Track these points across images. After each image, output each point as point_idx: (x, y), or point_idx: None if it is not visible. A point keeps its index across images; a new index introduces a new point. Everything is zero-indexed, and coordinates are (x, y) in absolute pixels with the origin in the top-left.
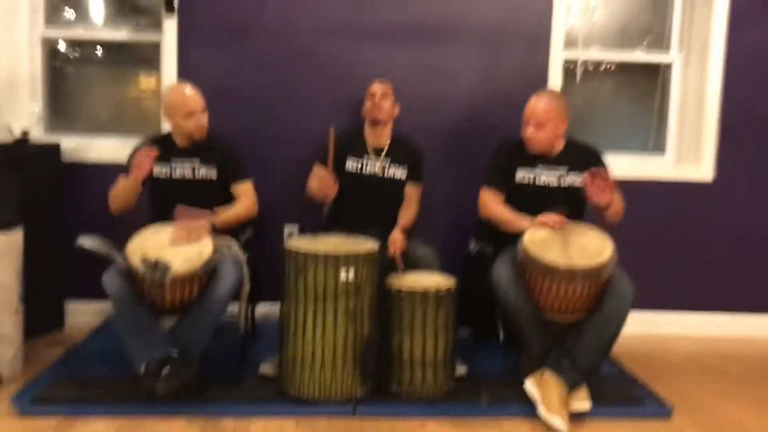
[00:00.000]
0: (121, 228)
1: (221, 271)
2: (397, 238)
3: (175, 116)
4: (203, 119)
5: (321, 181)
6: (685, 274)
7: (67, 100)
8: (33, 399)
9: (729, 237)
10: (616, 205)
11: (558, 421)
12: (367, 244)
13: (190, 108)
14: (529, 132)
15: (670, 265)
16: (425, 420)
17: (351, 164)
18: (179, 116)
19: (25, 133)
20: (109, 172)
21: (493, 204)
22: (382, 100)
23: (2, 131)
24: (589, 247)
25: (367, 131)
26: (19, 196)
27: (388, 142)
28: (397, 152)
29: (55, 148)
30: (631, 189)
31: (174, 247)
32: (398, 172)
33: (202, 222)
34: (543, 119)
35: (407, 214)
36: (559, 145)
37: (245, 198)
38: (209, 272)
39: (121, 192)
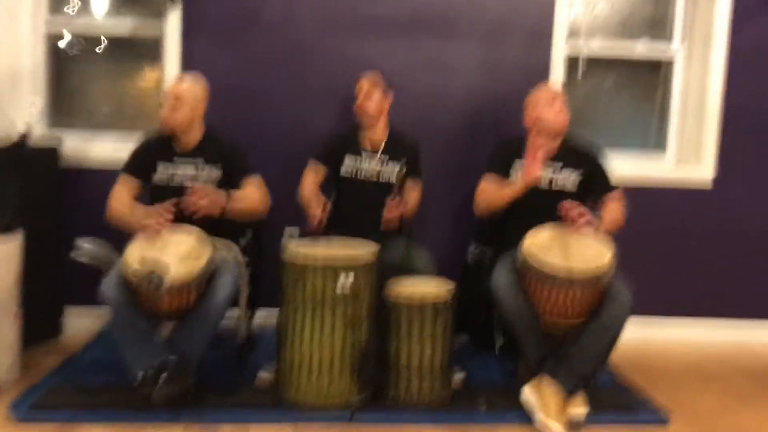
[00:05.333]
0: (120, 233)
1: (219, 278)
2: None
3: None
4: (179, 112)
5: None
6: (684, 277)
7: (69, 94)
8: (31, 406)
9: (730, 238)
10: (609, 224)
11: (556, 427)
12: (365, 250)
13: (168, 93)
14: (558, 108)
15: (669, 267)
16: (422, 428)
17: (348, 164)
18: (164, 99)
19: (24, 136)
20: (110, 175)
21: (483, 190)
22: (365, 100)
23: (4, 129)
24: (589, 253)
25: (361, 130)
26: (19, 199)
27: (385, 137)
28: (394, 148)
29: (54, 151)
30: (631, 188)
31: (171, 254)
32: (396, 169)
33: (217, 193)
34: (565, 98)
35: (408, 199)
36: (558, 142)
37: (256, 191)
38: (207, 279)
39: (123, 225)
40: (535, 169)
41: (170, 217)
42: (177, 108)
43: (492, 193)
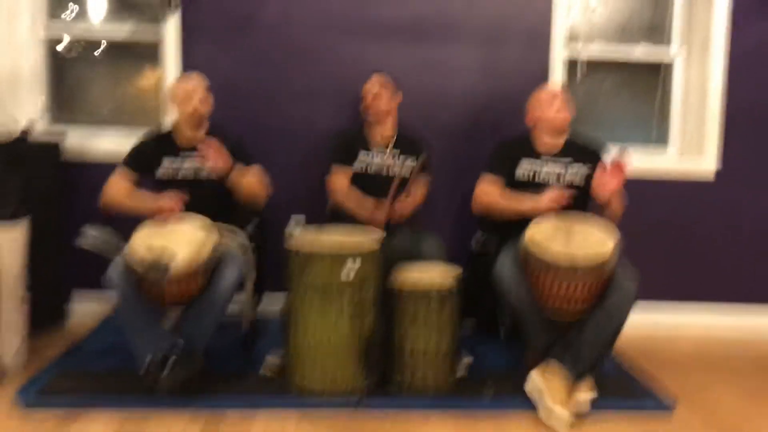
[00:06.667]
0: (124, 221)
1: (225, 264)
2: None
3: (176, 101)
4: (207, 103)
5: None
6: (689, 267)
7: (70, 96)
8: (37, 392)
9: (733, 230)
10: (614, 206)
11: (562, 413)
12: (371, 238)
13: (188, 90)
14: (558, 107)
15: (674, 258)
16: (429, 414)
17: (361, 159)
18: (179, 101)
19: (27, 128)
20: (112, 166)
21: (487, 192)
22: (375, 101)
23: (7, 125)
24: (592, 241)
25: (369, 128)
26: (23, 190)
27: (394, 134)
28: (404, 145)
29: (57, 143)
30: (635, 183)
31: (177, 241)
32: (407, 164)
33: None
34: (566, 97)
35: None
36: (563, 139)
37: (261, 175)
38: (213, 265)
39: (131, 210)
40: (560, 200)
41: (183, 202)
42: (208, 99)
43: (496, 203)
